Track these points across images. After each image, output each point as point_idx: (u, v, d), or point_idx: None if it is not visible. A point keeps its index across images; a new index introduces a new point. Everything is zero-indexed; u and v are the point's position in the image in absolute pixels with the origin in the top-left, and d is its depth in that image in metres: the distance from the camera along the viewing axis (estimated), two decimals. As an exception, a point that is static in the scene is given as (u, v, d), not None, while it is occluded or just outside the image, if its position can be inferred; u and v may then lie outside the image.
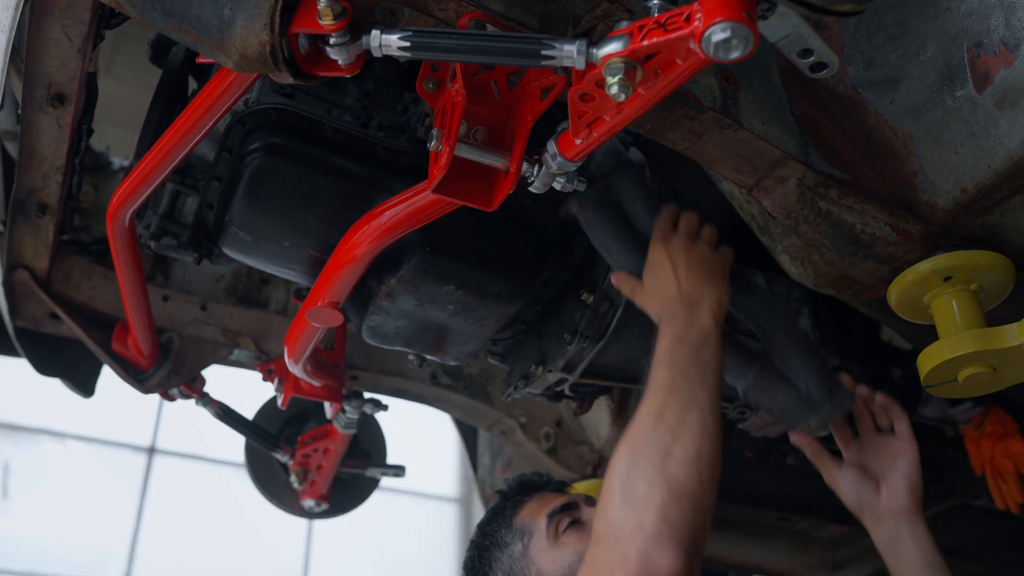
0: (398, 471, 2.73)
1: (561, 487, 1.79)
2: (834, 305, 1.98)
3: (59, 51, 1.44)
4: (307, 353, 1.85)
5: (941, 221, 1.36)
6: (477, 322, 1.74)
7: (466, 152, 1.24)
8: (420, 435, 5.68)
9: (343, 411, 2.28)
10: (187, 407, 2.36)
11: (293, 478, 2.57)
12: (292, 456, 2.56)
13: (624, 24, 1.05)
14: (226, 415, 2.43)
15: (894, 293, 1.46)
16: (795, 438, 1.76)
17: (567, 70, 1.17)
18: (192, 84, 1.78)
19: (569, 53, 1.06)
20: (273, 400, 2.70)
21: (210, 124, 1.44)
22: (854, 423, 1.75)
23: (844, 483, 1.70)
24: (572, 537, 1.57)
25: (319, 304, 1.61)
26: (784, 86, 1.42)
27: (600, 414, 2.42)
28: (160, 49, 1.77)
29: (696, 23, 0.94)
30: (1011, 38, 1.23)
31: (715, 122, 1.31)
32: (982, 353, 1.35)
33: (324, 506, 2.63)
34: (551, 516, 1.60)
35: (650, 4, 1.05)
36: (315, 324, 1.67)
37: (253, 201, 1.57)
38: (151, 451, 7.25)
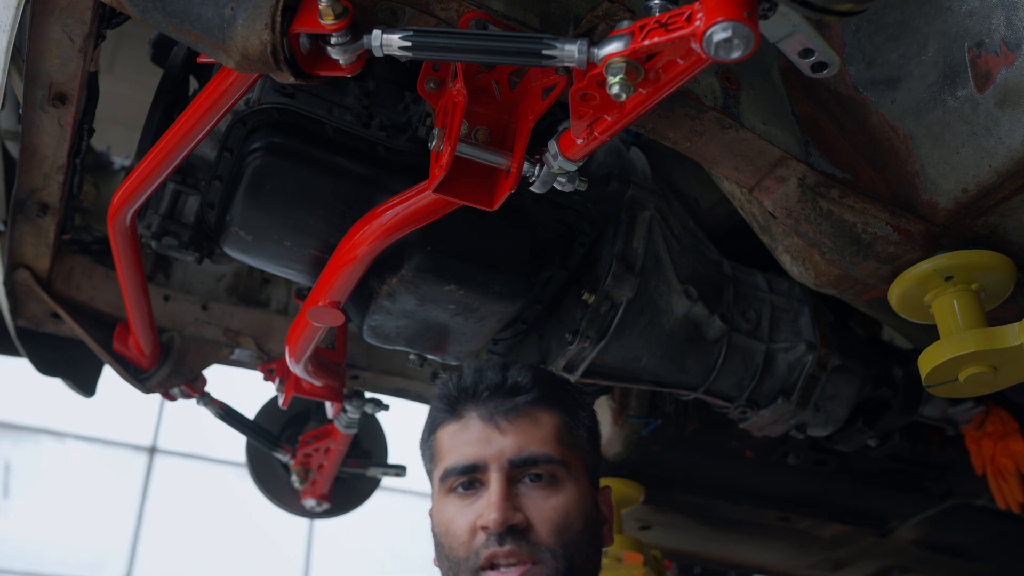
0: (399, 471, 2.73)
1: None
2: (835, 305, 1.98)
3: (60, 51, 1.44)
4: (308, 353, 1.85)
5: (942, 221, 1.36)
6: (478, 321, 1.74)
7: (467, 152, 1.24)
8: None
9: (344, 411, 2.28)
10: (188, 407, 2.36)
11: (294, 478, 2.57)
12: (293, 456, 2.56)
13: (625, 24, 1.05)
14: (227, 415, 2.43)
15: (895, 293, 1.46)
16: None
17: (568, 70, 1.17)
18: (193, 84, 1.78)
19: (570, 53, 1.06)
20: (274, 400, 2.70)
21: (211, 124, 1.45)
22: None
23: None
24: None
25: (320, 304, 1.61)
26: (785, 86, 1.42)
27: (601, 414, 2.42)
28: (161, 48, 1.77)
29: (697, 23, 0.94)
30: (1012, 37, 1.23)
31: (716, 122, 1.31)
32: (983, 353, 1.35)
33: (325, 506, 2.63)
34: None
35: (651, 4, 1.05)
36: (316, 324, 1.67)
37: (254, 201, 1.57)
38: (152, 451, 7.26)
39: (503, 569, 1.27)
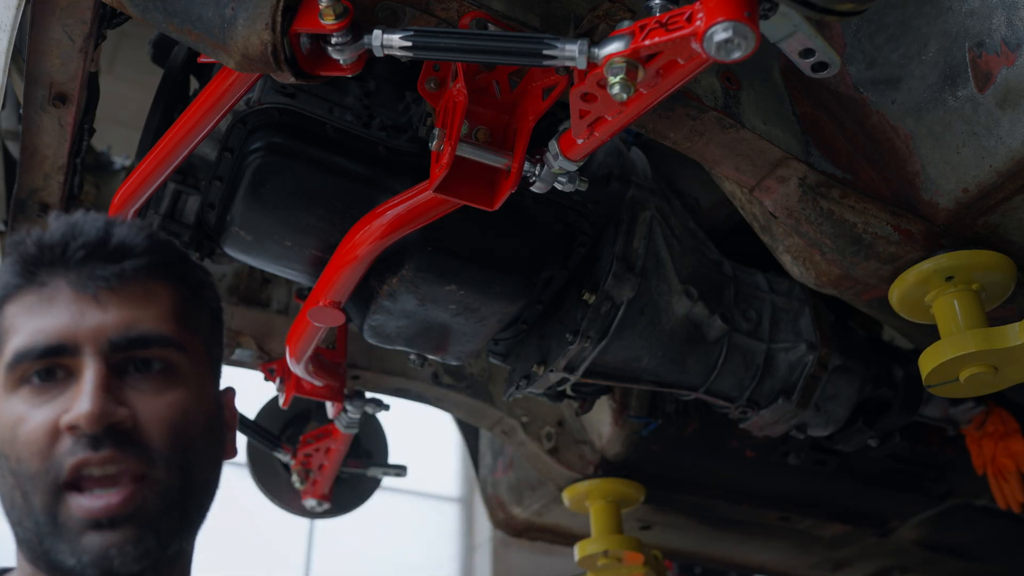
0: (400, 471, 2.73)
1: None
2: (835, 305, 1.98)
3: (60, 51, 1.44)
4: (309, 353, 1.85)
5: (943, 221, 1.36)
6: (478, 322, 1.74)
7: (468, 152, 1.24)
8: (422, 435, 5.69)
9: (345, 411, 2.28)
10: (188, 407, 2.36)
11: (295, 478, 2.57)
12: (294, 456, 2.56)
13: (626, 24, 1.05)
14: (227, 415, 2.42)
15: (896, 293, 1.46)
16: None
17: (569, 70, 1.17)
18: (194, 84, 1.78)
19: (571, 53, 1.06)
20: (275, 400, 2.70)
21: (212, 124, 1.45)
22: None
23: None
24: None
25: (321, 304, 1.61)
26: (786, 86, 1.42)
27: (602, 414, 2.42)
28: (162, 48, 1.77)
29: (698, 23, 0.94)
30: (1012, 37, 1.23)
31: (717, 122, 1.31)
32: (983, 353, 1.35)
33: (326, 506, 2.63)
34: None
35: (652, 4, 1.05)
36: (317, 324, 1.67)
37: (255, 201, 1.57)
38: (152, 451, 7.25)
39: (98, 491, 0.95)
